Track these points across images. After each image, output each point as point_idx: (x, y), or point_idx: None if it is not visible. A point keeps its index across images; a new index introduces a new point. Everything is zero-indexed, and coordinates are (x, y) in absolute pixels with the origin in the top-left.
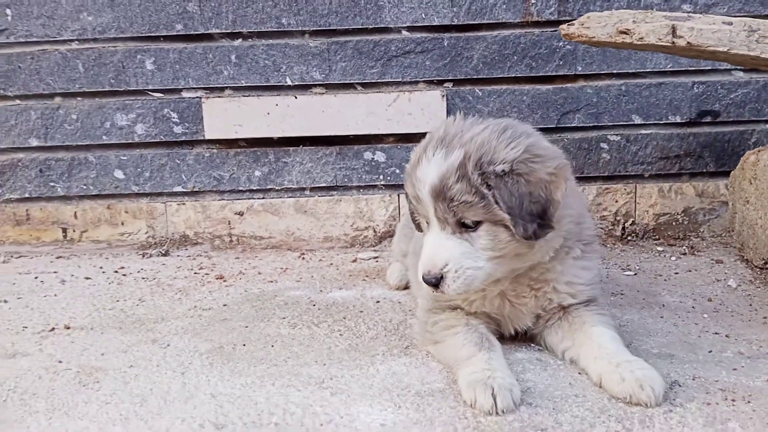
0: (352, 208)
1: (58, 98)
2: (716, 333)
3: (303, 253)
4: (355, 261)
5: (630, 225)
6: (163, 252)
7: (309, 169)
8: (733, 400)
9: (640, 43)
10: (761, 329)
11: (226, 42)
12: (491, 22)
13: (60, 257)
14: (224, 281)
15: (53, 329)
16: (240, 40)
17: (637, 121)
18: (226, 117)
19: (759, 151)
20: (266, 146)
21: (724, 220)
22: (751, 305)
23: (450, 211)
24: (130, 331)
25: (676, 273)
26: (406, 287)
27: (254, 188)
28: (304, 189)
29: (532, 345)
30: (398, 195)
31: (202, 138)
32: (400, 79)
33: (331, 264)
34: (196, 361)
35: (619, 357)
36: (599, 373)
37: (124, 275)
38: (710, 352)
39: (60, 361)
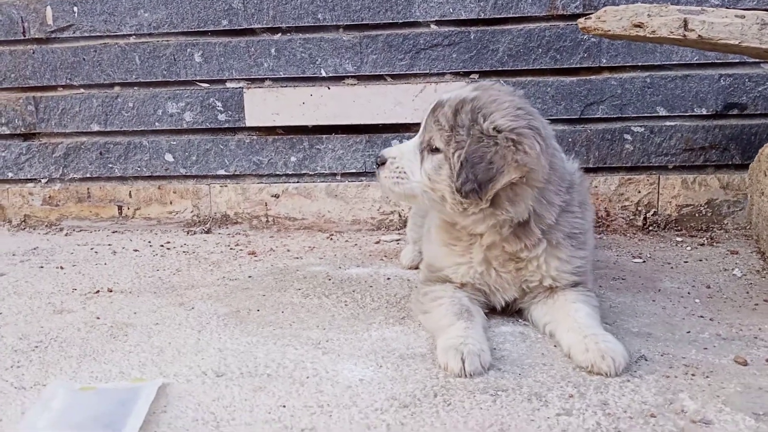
0: (379, 193)
1: (117, 87)
2: (701, 316)
3: (331, 235)
4: (378, 242)
5: (652, 216)
6: (206, 230)
7: (340, 156)
8: (693, 375)
9: (652, 36)
10: (748, 314)
11: (266, 36)
12: (517, 15)
13: (115, 232)
14: (255, 256)
15: (98, 292)
16: (279, 34)
17: (662, 113)
18: (265, 106)
19: None
20: (301, 134)
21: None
22: (748, 293)
23: (428, 128)
24: (162, 296)
25: (686, 262)
26: (417, 267)
27: (290, 173)
28: (335, 174)
29: (520, 320)
30: None
31: (244, 125)
32: (427, 71)
33: (356, 245)
34: (213, 321)
35: (588, 330)
36: (569, 344)
37: (168, 249)
38: (688, 332)
39: (98, 318)
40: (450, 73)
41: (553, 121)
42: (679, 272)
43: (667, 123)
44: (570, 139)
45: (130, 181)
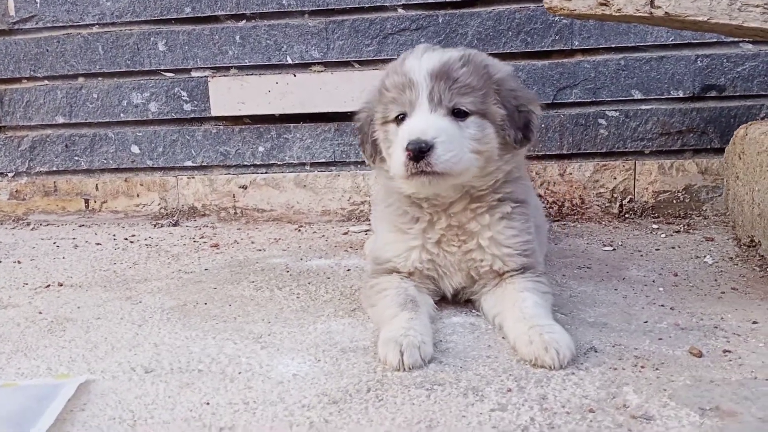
0: (350, 183)
1: (81, 78)
2: (662, 305)
3: (300, 226)
4: (346, 233)
5: (628, 203)
6: (174, 222)
7: (309, 145)
8: (642, 367)
9: (618, 14)
10: (712, 303)
11: (231, 23)
12: None
13: (82, 225)
14: (217, 249)
15: (48, 286)
16: (244, 21)
17: (637, 96)
18: (231, 95)
19: (749, 125)
20: (269, 123)
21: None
22: (716, 281)
23: (450, 92)
24: (111, 289)
25: (657, 249)
26: None
27: (258, 163)
28: (304, 164)
29: (473, 311)
30: None
31: (210, 115)
32: (395, 57)
33: (323, 236)
34: (156, 316)
35: (534, 320)
36: (514, 336)
37: (131, 242)
38: (645, 322)
39: (40, 312)
40: None
41: None
42: (648, 260)
43: (643, 107)
44: (543, 125)
45: (96, 173)
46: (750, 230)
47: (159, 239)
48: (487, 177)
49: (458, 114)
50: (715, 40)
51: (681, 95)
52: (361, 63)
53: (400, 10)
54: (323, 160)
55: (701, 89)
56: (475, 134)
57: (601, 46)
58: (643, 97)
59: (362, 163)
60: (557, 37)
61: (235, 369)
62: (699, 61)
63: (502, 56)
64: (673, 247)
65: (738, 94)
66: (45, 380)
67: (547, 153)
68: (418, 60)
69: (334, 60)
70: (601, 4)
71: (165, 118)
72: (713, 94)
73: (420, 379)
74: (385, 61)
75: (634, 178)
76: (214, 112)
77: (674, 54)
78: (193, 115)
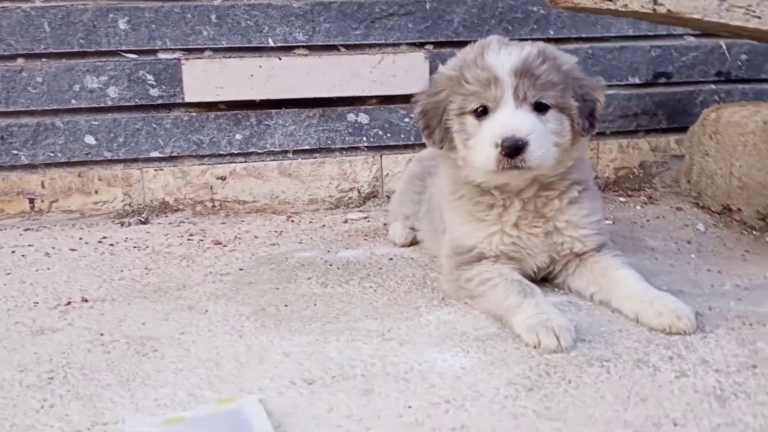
0: (336, 170)
1: (21, 60)
2: (708, 270)
3: (290, 216)
4: (346, 222)
5: (594, 179)
6: (142, 220)
7: (292, 132)
8: (750, 324)
9: (624, 9)
10: (743, 265)
11: (205, 1)
12: None
13: (28, 229)
14: (224, 246)
15: (69, 303)
16: None
17: (602, 82)
18: (207, 79)
19: (718, 109)
20: (247, 109)
21: (674, 172)
22: (725, 245)
23: (534, 88)
24: (157, 300)
25: (648, 220)
26: (411, 244)
27: (235, 152)
28: (287, 152)
29: (557, 290)
30: (381, 156)
31: (181, 101)
32: (383, 41)
33: (324, 225)
34: (246, 323)
35: (651, 294)
36: (635, 311)
37: (111, 245)
38: (712, 286)
39: (101, 334)
40: (405, 43)
41: None
42: (652, 230)
43: (606, 92)
44: None
45: (41, 169)
46: (725, 200)
47: (142, 240)
48: (559, 165)
49: (539, 108)
50: (665, 32)
51: (637, 81)
52: (348, 47)
53: None
54: (307, 147)
55: (653, 76)
56: (555, 128)
57: (572, 36)
58: (607, 83)
59: (348, 149)
60: (535, 27)
61: (396, 369)
62: (653, 51)
63: None
64: (657, 218)
65: (683, 80)
66: (211, 408)
67: None
68: (498, 55)
69: (319, 44)
70: (607, 0)
71: (127, 104)
72: (663, 80)
73: (582, 357)
74: (372, 46)
75: (598, 156)
76: (188, 98)
77: (633, 45)
78: (160, 101)
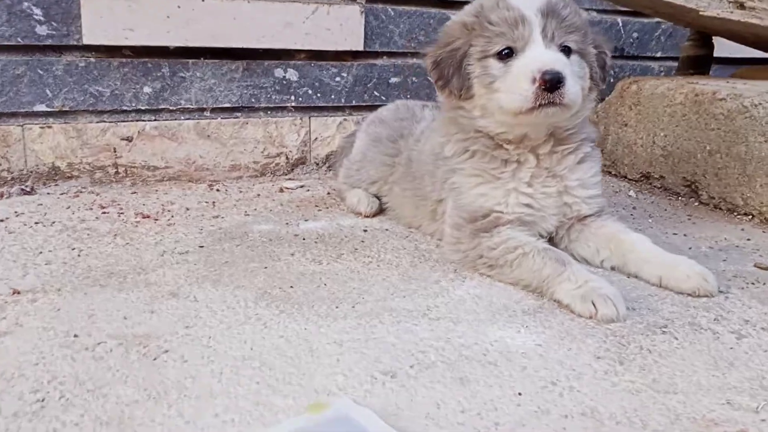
0: (261, 132)
1: None
2: (675, 234)
3: (211, 185)
4: (282, 191)
5: None
6: (27, 189)
7: (211, 86)
8: (753, 283)
9: None
10: (699, 228)
11: None
12: None
13: None
14: (156, 221)
15: (17, 293)
16: None
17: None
18: (113, 18)
19: (637, 80)
20: (159, 57)
21: None
22: (666, 210)
23: (560, 29)
24: (121, 288)
25: None
26: (376, 214)
27: (143, 108)
28: (204, 110)
29: None
30: (309, 118)
31: (76, 43)
32: None
33: (258, 195)
34: (259, 311)
35: (671, 258)
36: (658, 275)
37: (1, 221)
38: (690, 249)
39: (75, 335)
40: None
41: None
42: None
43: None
44: None
45: None
46: (646, 168)
47: (39, 214)
48: (577, 115)
49: (565, 51)
50: None
51: None
52: None
53: None
54: (228, 105)
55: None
56: (579, 71)
57: None
58: None
59: (274, 109)
60: None
61: (471, 352)
62: None
63: (417, 2)
64: None
65: None
66: (308, 418)
67: None
68: None
69: None
70: None
71: (5, 44)
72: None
73: (640, 326)
74: None
75: None
76: (86, 39)
77: None
78: (49, 42)
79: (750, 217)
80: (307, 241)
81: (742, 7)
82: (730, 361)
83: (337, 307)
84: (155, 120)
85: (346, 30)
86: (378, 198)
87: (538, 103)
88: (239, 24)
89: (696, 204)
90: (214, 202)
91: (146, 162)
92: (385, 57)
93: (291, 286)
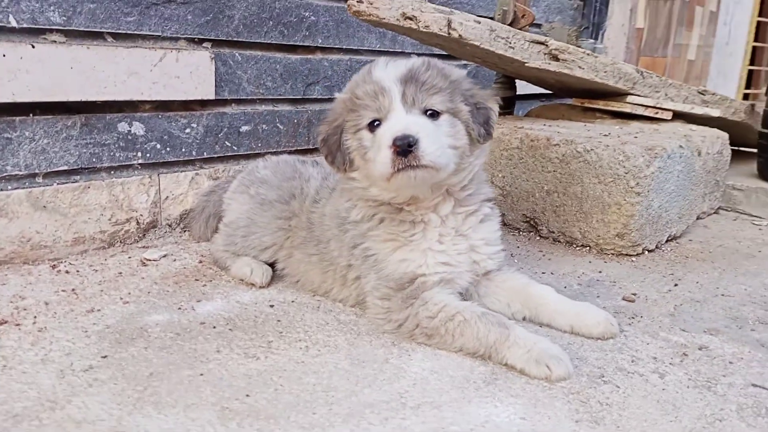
0: (106, 196)
1: None
2: (543, 273)
3: (54, 265)
4: (145, 264)
5: None
6: None
7: (44, 147)
8: (633, 317)
9: (425, 30)
10: (555, 264)
11: None
12: None
13: None
14: (18, 326)
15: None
16: None
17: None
18: None
19: None
20: None
21: None
22: (518, 247)
23: (420, 93)
24: None
25: None
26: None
27: None
28: (35, 175)
29: None
30: (158, 175)
31: None
32: (159, 33)
33: (121, 273)
34: (243, 422)
35: (578, 306)
36: (570, 324)
37: None
38: (565, 288)
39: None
40: (185, 38)
41: (282, 101)
42: None
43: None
44: (295, 120)
45: None
46: None
47: None
48: (462, 173)
49: (431, 115)
50: (400, 50)
51: None
52: (117, 36)
53: None
54: (65, 168)
55: None
56: (449, 131)
57: (335, 47)
58: None
59: (118, 168)
60: (307, 33)
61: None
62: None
63: (264, 47)
64: None
65: None
66: None
67: (298, 148)
68: (385, 69)
69: (81, 29)
70: (408, 18)
71: None
72: None
73: (584, 378)
74: (147, 38)
75: None
76: None
77: (377, 58)
78: None
79: (588, 248)
80: (219, 329)
81: (556, 59)
82: (672, 403)
83: (314, 413)
84: None
85: (196, 77)
86: (270, 265)
87: (396, 168)
88: (77, 74)
89: (537, 238)
90: (73, 290)
91: None
92: (234, 104)
93: (247, 395)
